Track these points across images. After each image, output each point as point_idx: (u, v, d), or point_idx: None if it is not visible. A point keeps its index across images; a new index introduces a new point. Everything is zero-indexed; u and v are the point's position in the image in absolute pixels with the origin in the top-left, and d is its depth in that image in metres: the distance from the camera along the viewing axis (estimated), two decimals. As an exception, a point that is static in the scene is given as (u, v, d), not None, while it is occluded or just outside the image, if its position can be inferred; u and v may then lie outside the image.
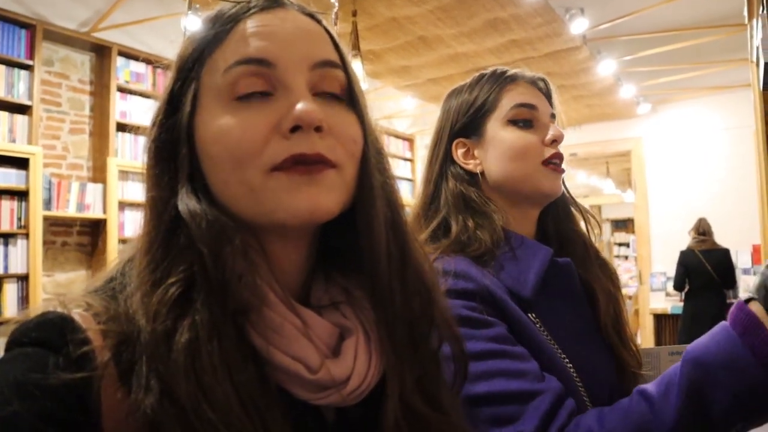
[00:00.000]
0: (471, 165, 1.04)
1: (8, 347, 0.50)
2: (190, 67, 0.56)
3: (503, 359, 0.83)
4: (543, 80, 1.08)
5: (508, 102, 1.02)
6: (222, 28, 0.56)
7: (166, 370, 0.47)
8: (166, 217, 0.53)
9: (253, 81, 0.54)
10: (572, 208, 1.09)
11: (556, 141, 1.00)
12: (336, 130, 0.55)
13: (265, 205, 0.52)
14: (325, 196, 0.53)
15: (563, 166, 1.02)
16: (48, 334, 0.49)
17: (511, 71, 1.06)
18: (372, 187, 0.58)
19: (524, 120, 1.01)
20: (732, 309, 0.74)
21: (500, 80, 1.05)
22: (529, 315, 0.92)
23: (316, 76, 0.56)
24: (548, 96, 1.07)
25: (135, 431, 0.46)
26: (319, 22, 0.60)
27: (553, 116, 1.04)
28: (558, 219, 1.07)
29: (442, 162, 1.07)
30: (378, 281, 0.58)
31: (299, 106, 0.52)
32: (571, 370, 0.90)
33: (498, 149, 1.01)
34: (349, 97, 0.59)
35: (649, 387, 0.78)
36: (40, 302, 3.62)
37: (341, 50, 0.60)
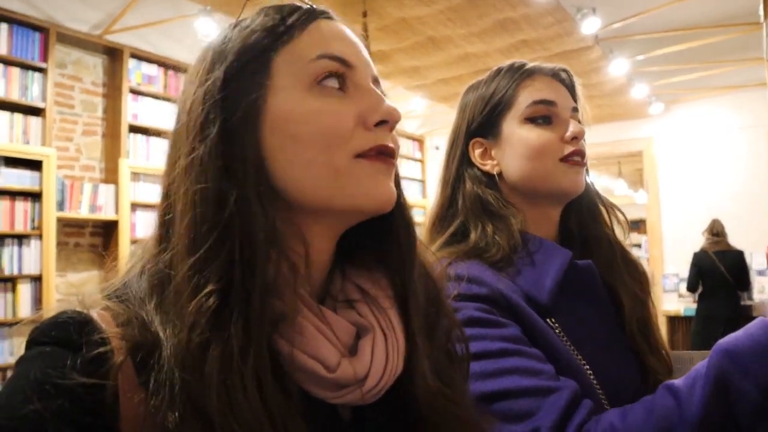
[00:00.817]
0: (488, 166, 1.01)
1: (28, 345, 0.50)
2: (260, 53, 0.56)
3: (518, 357, 0.81)
4: (565, 71, 1.04)
5: (525, 98, 0.99)
6: (296, 22, 0.58)
7: (196, 383, 0.47)
8: (222, 213, 0.51)
9: (335, 76, 0.57)
10: (599, 205, 1.04)
11: (576, 138, 0.96)
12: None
13: (347, 188, 0.55)
14: (394, 189, 0.59)
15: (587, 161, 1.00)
16: (67, 333, 0.49)
17: (530, 64, 1.03)
18: (402, 189, 0.64)
19: (542, 117, 0.98)
20: None
21: (517, 75, 1.01)
22: (548, 320, 0.90)
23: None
24: (570, 87, 1.03)
25: None
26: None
27: (575, 110, 1.01)
28: (581, 218, 1.03)
29: (459, 163, 1.04)
30: (406, 280, 0.62)
31: (387, 104, 0.58)
32: (591, 376, 0.87)
33: (515, 149, 0.98)
34: None
35: (676, 381, 0.74)
36: (56, 302, 3.66)
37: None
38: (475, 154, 1.03)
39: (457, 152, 1.05)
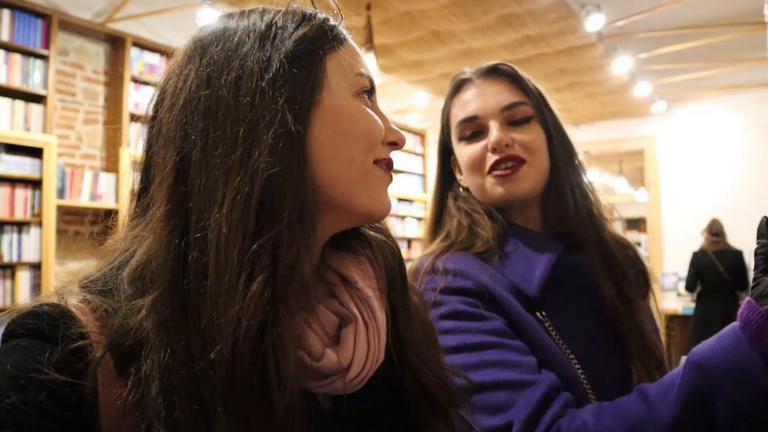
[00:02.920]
0: (461, 179, 1.07)
1: (4, 338, 0.50)
2: (314, 50, 0.57)
3: (498, 350, 0.83)
4: (496, 69, 1.02)
5: (454, 119, 1.04)
6: (340, 33, 0.61)
7: (208, 385, 0.46)
8: (293, 195, 0.51)
9: (366, 94, 0.62)
10: (586, 198, 1.03)
11: (496, 148, 0.96)
12: None
13: (369, 189, 0.59)
14: None
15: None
16: (44, 325, 0.48)
17: (461, 75, 1.05)
18: None
19: (472, 133, 1.01)
20: (742, 308, 0.67)
21: (449, 94, 1.06)
22: (538, 314, 0.91)
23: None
24: (511, 77, 1.01)
25: (132, 430, 0.46)
26: None
27: (511, 106, 0.99)
28: (560, 213, 1.00)
29: (441, 177, 1.10)
30: (391, 266, 0.65)
31: (397, 130, 0.63)
32: (578, 369, 0.88)
33: (462, 166, 1.04)
34: None
35: (651, 386, 0.75)
36: (51, 290, 3.64)
37: None
38: (455, 168, 1.08)
39: (442, 166, 1.11)
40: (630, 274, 1.01)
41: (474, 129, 1.00)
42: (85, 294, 0.53)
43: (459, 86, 1.04)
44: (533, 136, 0.99)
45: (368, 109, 0.60)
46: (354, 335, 0.57)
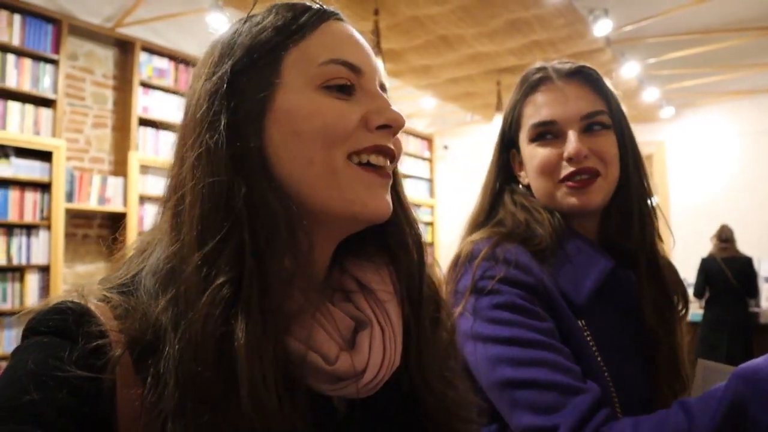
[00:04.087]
0: (522, 177, 1.03)
1: (25, 335, 0.50)
2: (269, 50, 0.57)
3: (550, 352, 0.82)
4: (581, 70, 0.99)
5: (527, 119, 0.99)
6: (307, 22, 0.59)
7: (212, 376, 0.47)
8: (231, 206, 0.51)
9: (343, 80, 0.58)
10: (642, 216, 0.99)
11: (573, 159, 0.93)
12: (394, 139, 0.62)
13: (346, 192, 0.55)
14: (389, 201, 0.59)
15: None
16: (65, 323, 0.49)
17: (537, 73, 1.00)
18: (401, 187, 0.66)
19: (547, 133, 0.97)
20: None
21: (522, 90, 1.01)
22: (580, 321, 0.90)
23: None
24: (593, 83, 0.99)
25: (150, 429, 0.47)
26: None
27: (590, 115, 0.96)
28: (622, 228, 0.98)
29: (499, 171, 1.05)
30: (409, 272, 0.63)
31: (392, 110, 0.59)
32: (609, 382, 0.88)
33: (529, 166, 1.00)
34: None
35: (692, 399, 0.74)
36: (60, 292, 3.66)
37: None
38: (515, 164, 1.05)
39: (501, 161, 1.06)
40: (674, 299, 1.01)
41: (549, 133, 0.97)
42: (105, 293, 0.54)
43: (536, 84, 1.00)
44: (609, 147, 0.96)
45: (330, 102, 0.56)
46: (370, 339, 0.57)
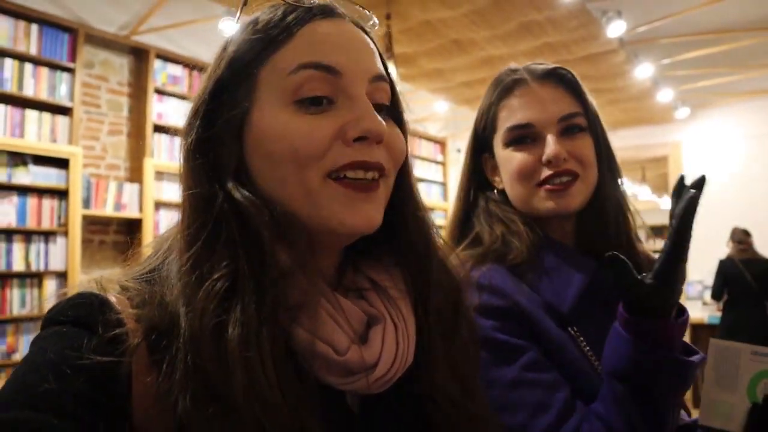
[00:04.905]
0: (497, 182, 1.02)
1: (44, 324, 0.51)
2: (246, 64, 0.56)
3: (532, 390, 0.82)
4: (555, 71, 0.98)
5: (502, 122, 0.98)
6: (285, 30, 0.56)
7: (214, 365, 0.47)
8: (210, 214, 0.53)
9: (319, 86, 0.55)
10: (619, 214, 0.99)
11: (551, 162, 0.92)
12: (388, 139, 0.58)
13: (322, 210, 0.54)
14: (377, 212, 0.57)
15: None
16: (84, 313, 0.50)
17: (512, 75, 0.99)
18: (411, 188, 0.63)
19: (522, 137, 0.95)
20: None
21: (497, 93, 0.99)
22: (570, 329, 0.90)
23: (372, 88, 0.58)
24: (569, 84, 0.98)
25: (163, 417, 0.47)
26: (367, 34, 0.62)
27: (567, 117, 0.95)
28: (599, 229, 0.98)
29: (472, 176, 1.05)
30: (417, 272, 0.62)
31: (369, 119, 0.54)
32: None
33: (504, 170, 0.99)
34: (394, 106, 0.62)
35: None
36: (79, 282, 3.71)
37: (385, 63, 0.63)
38: (488, 168, 1.03)
39: (472, 165, 1.05)
40: None
41: (526, 136, 0.95)
42: (124, 283, 0.55)
43: (510, 87, 0.98)
44: (586, 149, 0.95)
45: (299, 119, 0.54)
46: (383, 334, 0.57)
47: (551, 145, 0.92)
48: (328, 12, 0.58)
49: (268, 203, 0.54)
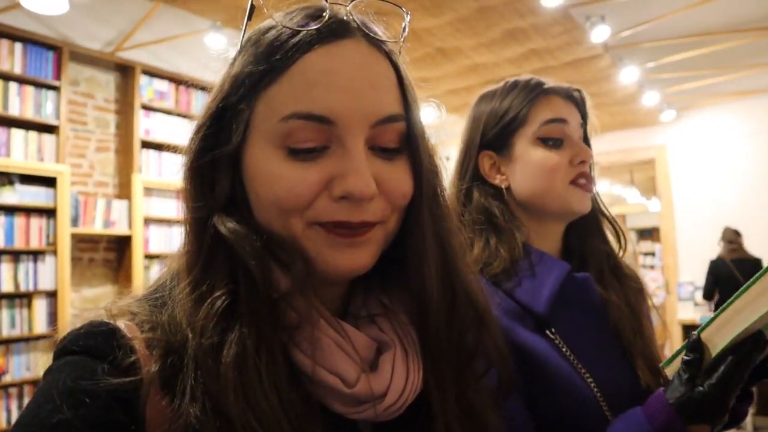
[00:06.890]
0: (497, 180, 1.03)
1: (57, 355, 0.51)
2: (243, 94, 0.54)
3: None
4: (578, 91, 1.07)
5: (538, 117, 1.00)
6: (284, 57, 0.53)
7: (214, 384, 0.48)
8: (206, 237, 0.53)
9: (311, 136, 0.52)
10: (600, 219, 1.08)
11: (584, 162, 0.99)
12: (386, 187, 0.55)
13: (308, 252, 0.54)
14: (364, 255, 0.55)
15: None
16: (95, 343, 0.50)
17: (547, 84, 1.04)
18: (421, 220, 0.58)
19: (554, 138, 1.00)
20: (651, 400, 0.78)
21: (533, 93, 1.02)
22: (548, 331, 0.92)
23: (376, 132, 0.55)
24: (581, 104, 1.07)
25: None
26: (388, 54, 0.60)
27: (582, 125, 1.04)
28: (581, 234, 1.06)
29: (471, 177, 1.05)
30: (424, 301, 0.59)
31: (354, 178, 0.51)
32: (591, 384, 0.90)
33: (527, 167, 1.00)
34: (407, 143, 0.58)
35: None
36: (72, 316, 3.68)
37: (406, 87, 0.60)
38: (485, 166, 1.04)
39: (470, 165, 1.05)
40: (635, 292, 1.04)
41: (559, 135, 1.00)
42: (132, 309, 0.55)
43: (546, 92, 1.03)
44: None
45: (287, 167, 0.52)
46: (393, 362, 0.56)
47: (584, 146, 1.00)
48: (339, 33, 0.54)
49: (261, 229, 0.54)
